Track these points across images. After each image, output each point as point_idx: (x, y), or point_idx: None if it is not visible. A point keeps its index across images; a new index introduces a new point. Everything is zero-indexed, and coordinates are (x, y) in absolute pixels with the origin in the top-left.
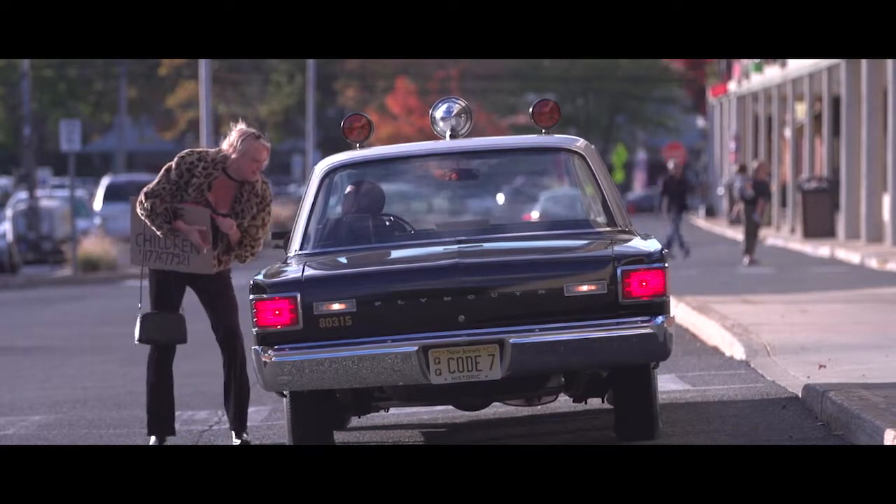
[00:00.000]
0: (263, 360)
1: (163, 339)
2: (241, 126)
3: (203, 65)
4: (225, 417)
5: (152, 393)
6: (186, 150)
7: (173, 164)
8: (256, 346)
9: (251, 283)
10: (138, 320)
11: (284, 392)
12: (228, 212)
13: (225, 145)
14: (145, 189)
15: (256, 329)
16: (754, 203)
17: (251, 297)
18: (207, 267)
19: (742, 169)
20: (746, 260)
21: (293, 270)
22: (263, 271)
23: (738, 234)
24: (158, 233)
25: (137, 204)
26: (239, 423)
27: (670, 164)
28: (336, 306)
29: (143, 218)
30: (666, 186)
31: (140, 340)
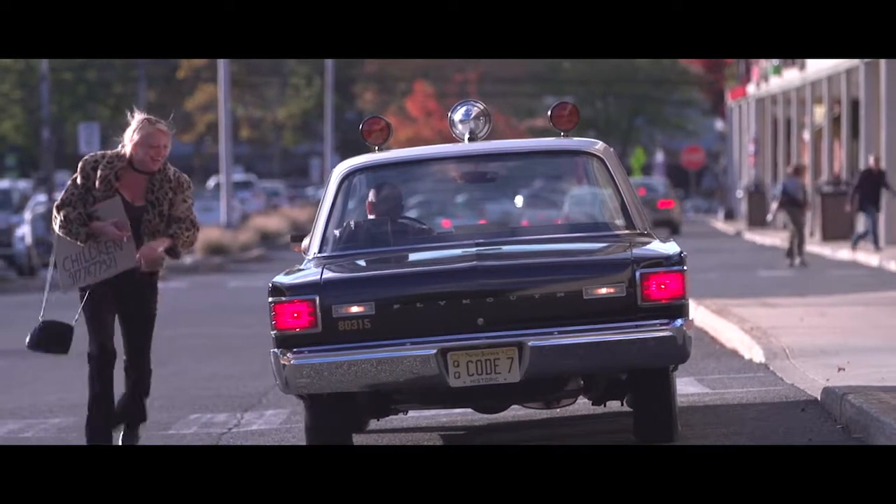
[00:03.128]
0: (282, 362)
1: (54, 348)
2: (137, 115)
3: (222, 67)
4: (245, 419)
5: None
6: (87, 155)
7: (77, 170)
8: (275, 349)
9: (270, 285)
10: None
11: (303, 395)
12: (144, 203)
13: (125, 139)
14: (55, 204)
15: (275, 332)
16: (802, 206)
17: (270, 299)
18: (132, 259)
19: (797, 171)
20: (790, 262)
21: (312, 273)
22: (282, 274)
23: (757, 237)
24: (78, 241)
25: (53, 221)
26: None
27: (870, 160)
28: (355, 309)
29: (61, 234)
30: (863, 181)
31: (29, 347)
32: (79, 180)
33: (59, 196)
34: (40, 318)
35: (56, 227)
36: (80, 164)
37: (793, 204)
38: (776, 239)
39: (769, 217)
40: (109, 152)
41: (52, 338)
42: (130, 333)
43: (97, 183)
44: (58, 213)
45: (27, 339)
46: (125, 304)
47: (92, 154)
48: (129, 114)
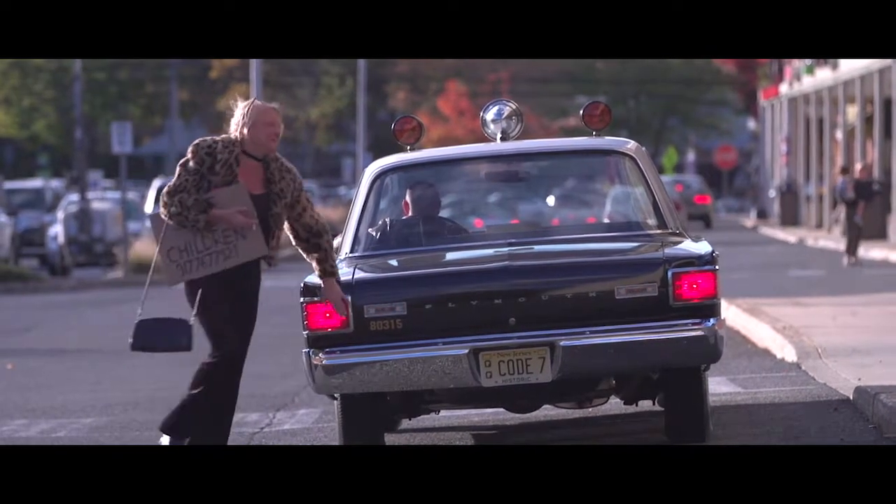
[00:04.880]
0: (314, 362)
1: (162, 346)
2: (241, 101)
3: (254, 68)
4: (277, 419)
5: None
6: (198, 139)
7: (188, 154)
8: (307, 349)
9: (302, 285)
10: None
11: (335, 395)
12: (264, 192)
13: (232, 127)
14: (165, 190)
15: (307, 332)
16: (855, 205)
17: (302, 299)
18: (260, 247)
19: (845, 171)
20: (846, 260)
21: (344, 273)
22: (314, 274)
23: (789, 235)
24: (196, 228)
25: (162, 208)
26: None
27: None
28: (387, 309)
29: (171, 222)
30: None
31: (134, 348)
32: (191, 164)
33: (169, 182)
34: (139, 315)
35: (165, 216)
36: (191, 149)
37: (846, 204)
38: (809, 239)
39: (833, 217)
40: (221, 137)
41: (160, 335)
42: (233, 331)
43: (218, 167)
44: (170, 199)
45: (130, 339)
46: (236, 299)
47: (203, 139)
48: (233, 103)
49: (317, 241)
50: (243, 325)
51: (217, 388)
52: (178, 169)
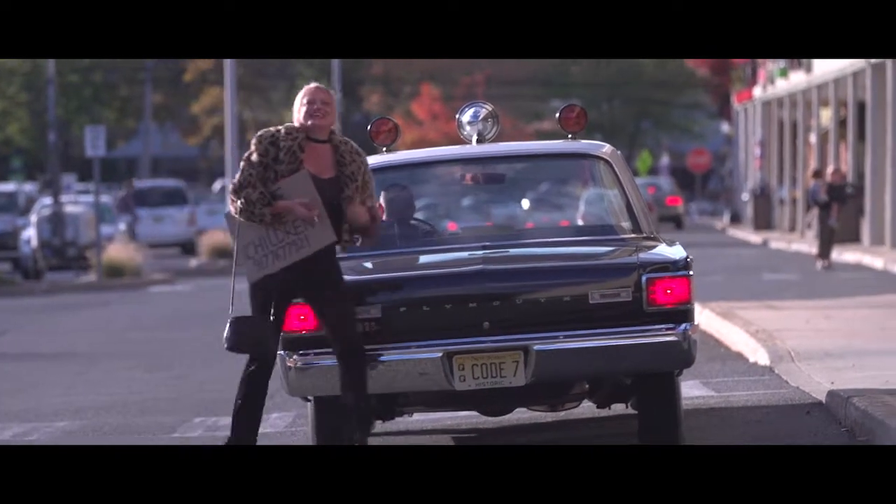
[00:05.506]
0: (288, 364)
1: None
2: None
3: (228, 70)
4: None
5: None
6: (261, 130)
7: (252, 146)
8: (281, 351)
9: None
10: (228, 324)
11: (309, 397)
12: (334, 175)
13: (294, 114)
14: (231, 187)
15: (282, 334)
16: (828, 208)
17: None
18: (328, 235)
19: (817, 174)
20: (819, 264)
21: None
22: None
23: (755, 237)
24: (264, 222)
25: (230, 205)
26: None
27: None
28: (361, 311)
29: (242, 218)
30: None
31: (230, 348)
32: (255, 157)
33: (234, 178)
34: (231, 315)
35: (236, 212)
36: (254, 141)
37: (819, 207)
38: (782, 243)
39: (806, 221)
40: (285, 125)
41: (252, 337)
42: (335, 320)
43: (282, 155)
44: (236, 196)
45: (225, 340)
46: (319, 290)
47: (265, 129)
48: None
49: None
50: (335, 307)
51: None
52: (241, 164)
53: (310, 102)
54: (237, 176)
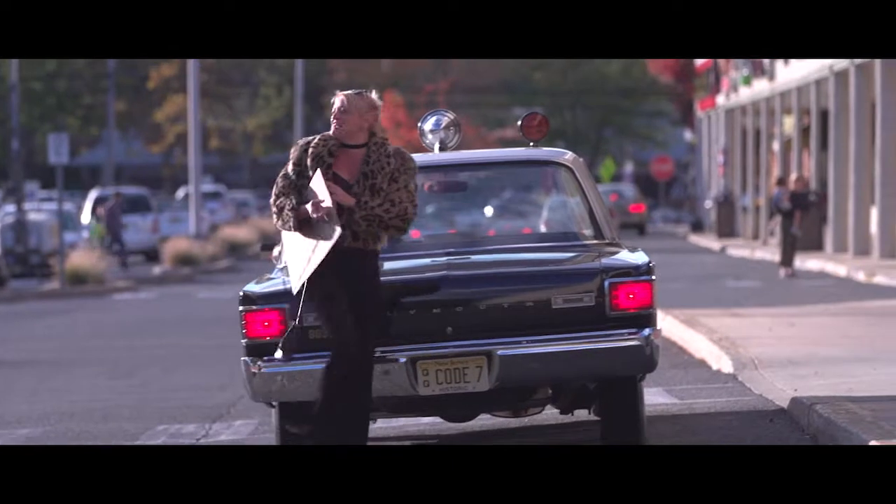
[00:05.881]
0: (252, 370)
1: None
2: None
3: (191, 77)
4: (213, 430)
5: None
6: (300, 139)
7: (290, 156)
8: (246, 357)
9: (241, 294)
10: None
11: (273, 403)
12: (357, 176)
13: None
14: (271, 200)
15: (246, 340)
16: (791, 216)
17: (241, 308)
18: (331, 232)
19: (780, 182)
20: (783, 272)
21: (283, 282)
22: (253, 283)
23: (714, 244)
24: (292, 228)
25: (273, 218)
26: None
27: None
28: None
29: (283, 230)
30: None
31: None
32: (290, 168)
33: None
34: (296, 323)
35: (276, 224)
36: (291, 151)
37: (782, 214)
38: (745, 250)
39: (769, 229)
40: (323, 133)
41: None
42: (358, 318)
43: (309, 161)
44: (273, 207)
45: (281, 347)
46: (350, 288)
47: (304, 138)
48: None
49: (376, 201)
50: (363, 308)
51: (331, 388)
52: (279, 177)
53: (336, 108)
54: (274, 188)
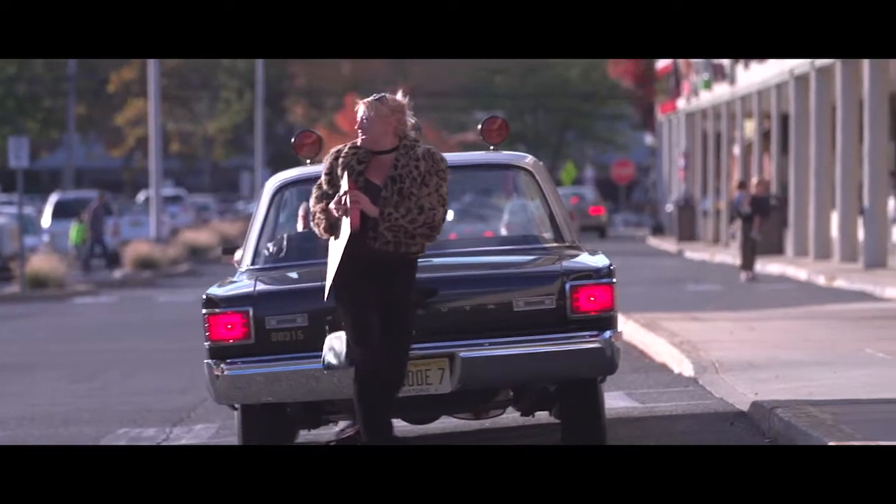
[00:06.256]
0: (216, 373)
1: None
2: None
3: (152, 81)
4: (174, 434)
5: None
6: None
7: (323, 166)
8: (209, 360)
9: (204, 297)
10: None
11: (236, 406)
12: (385, 180)
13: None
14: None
15: (209, 343)
16: (751, 220)
17: (204, 311)
18: (346, 229)
19: (741, 185)
20: (743, 276)
21: (245, 285)
22: (216, 286)
23: (672, 247)
24: (325, 234)
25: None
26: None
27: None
28: (288, 320)
29: (321, 236)
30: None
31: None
32: (323, 176)
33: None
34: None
35: (317, 233)
36: (324, 160)
37: (742, 218)
38: (706, 254)
39: (730, 232)
40: (352, 142)
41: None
42: (386, 324)
43: (340, 171)
44: (312, 221)
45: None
46: (381, 292)
47: (335, 146)
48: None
49: (402, 206)
50: (392, 313)
51: (365, 394)
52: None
53: (356, 121)
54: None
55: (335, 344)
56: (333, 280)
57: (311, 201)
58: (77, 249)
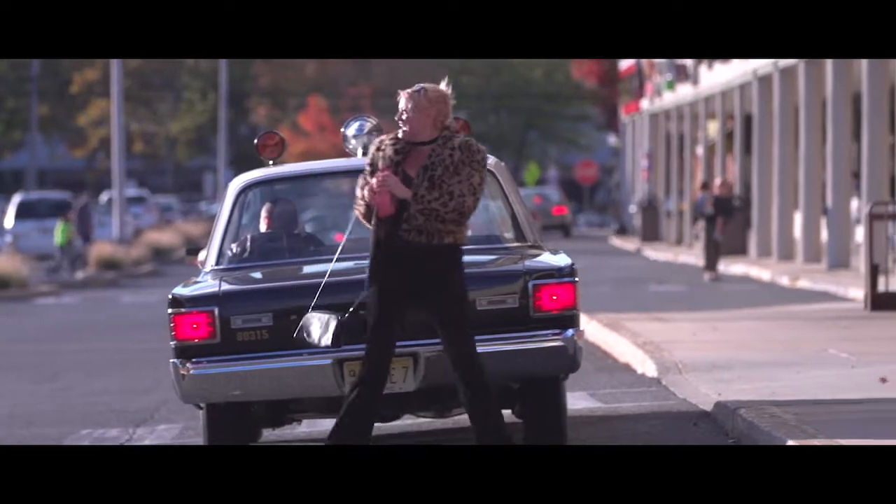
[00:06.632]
0: (181, 373)
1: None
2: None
3: (115, 81)
4: (137, 434)
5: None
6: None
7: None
8: (174, 360)
9: (170, 297)
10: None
11: (201, 405)
12: (418, 170)
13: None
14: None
15: (174, 342)
16: (714, 221)
17: (169, 310)
18: (369, 216)
19: (704, 186)
20: (707, 277)
21: (210, 285)
22: (181, 286)
23: (636, 246)
24: (368, 220)
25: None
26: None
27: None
28: (253, 319)
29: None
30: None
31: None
32: (367, 167)
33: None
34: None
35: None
36: (370, 150)
37: (706, 219)
38: (668, 254)
39: (693, 233)
40: (392, 133)
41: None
42: (442, 322)
43: (380, 163)
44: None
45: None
46: (422, 291)
47: (379, 137)
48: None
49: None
50: (444, 310)
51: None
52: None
53: (398, 112)
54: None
55: (324, 322)
56: (369, 265)
57: (357, 191)
58: (62, 250)
